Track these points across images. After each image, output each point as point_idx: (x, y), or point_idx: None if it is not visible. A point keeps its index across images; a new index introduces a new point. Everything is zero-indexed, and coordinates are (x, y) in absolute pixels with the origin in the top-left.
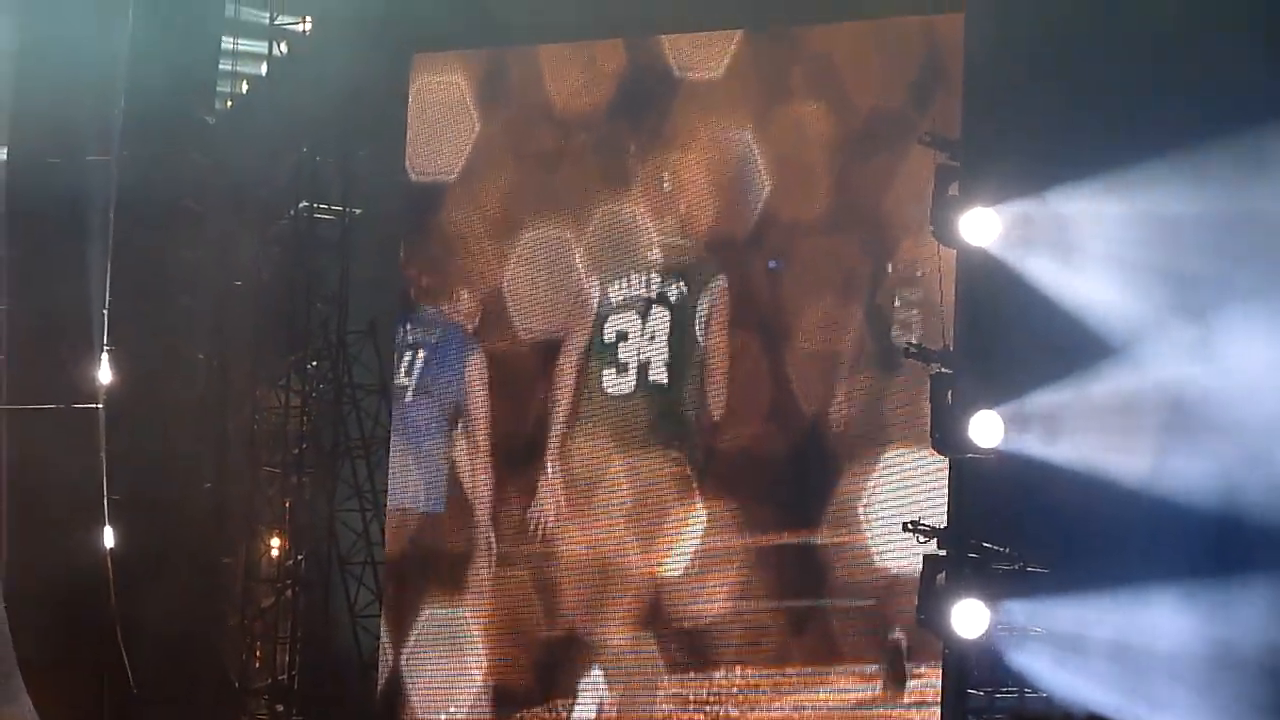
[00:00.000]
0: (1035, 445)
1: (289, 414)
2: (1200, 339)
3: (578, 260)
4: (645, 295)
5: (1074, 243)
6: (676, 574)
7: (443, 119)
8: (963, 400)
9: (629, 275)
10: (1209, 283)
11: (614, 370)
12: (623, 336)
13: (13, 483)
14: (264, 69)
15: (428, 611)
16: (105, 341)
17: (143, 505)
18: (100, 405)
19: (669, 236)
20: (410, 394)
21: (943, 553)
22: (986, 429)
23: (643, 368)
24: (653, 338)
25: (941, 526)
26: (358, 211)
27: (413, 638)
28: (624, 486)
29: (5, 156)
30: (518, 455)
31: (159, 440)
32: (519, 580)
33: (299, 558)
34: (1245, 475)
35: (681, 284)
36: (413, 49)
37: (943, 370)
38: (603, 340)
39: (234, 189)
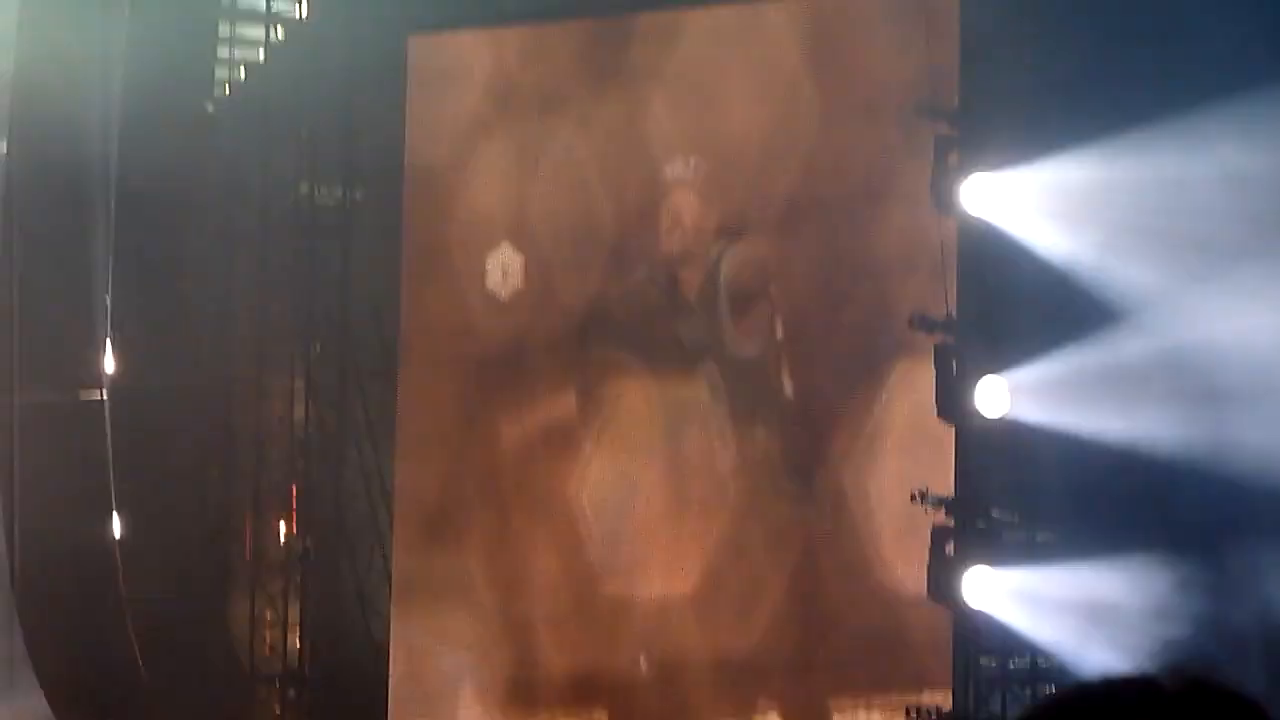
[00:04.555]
0: (1041, 413)
1: (294, 398)
2: (1204, 304)
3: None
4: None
5: (1076, 209)
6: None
7: (442, 99)
8: (967, 368)
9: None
10: (1212, 247)
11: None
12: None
13: (22, 473)
14: (262, 55)
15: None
16: (109, 331)
17: (149, 493)
18: (104, 396)
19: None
20: None
21: (950, 523)
22: (992, 397)
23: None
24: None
25: (948, 496)
26: (359, 195)
27: (420, 613)
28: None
29: (4, 149)
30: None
31: (164, 428)
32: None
33: (306, 543)
34: (1241, 441)
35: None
36: (410, 30)
37: (947, 339)
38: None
39: (235, 176)
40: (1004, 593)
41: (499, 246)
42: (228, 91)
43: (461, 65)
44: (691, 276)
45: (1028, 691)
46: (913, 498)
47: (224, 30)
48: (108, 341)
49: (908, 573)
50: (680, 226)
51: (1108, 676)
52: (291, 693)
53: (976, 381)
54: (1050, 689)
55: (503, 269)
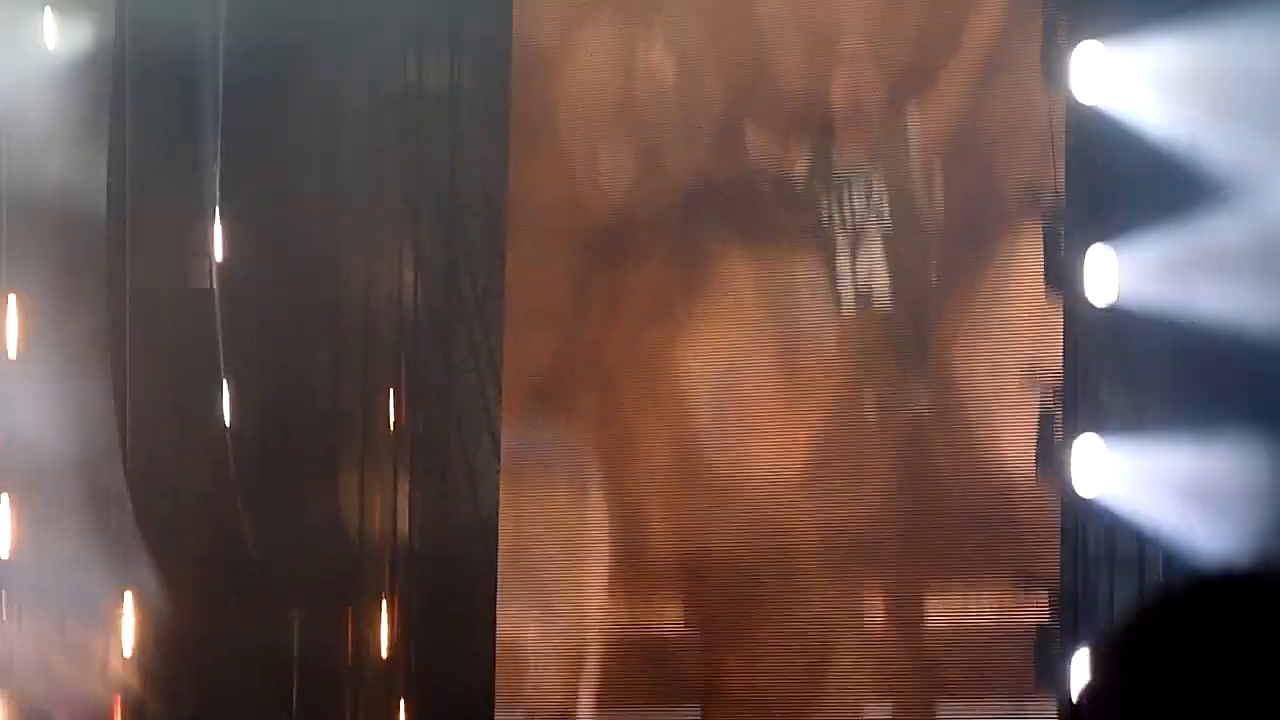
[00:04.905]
0: (1149, 292)
1: (402, 275)
2: None
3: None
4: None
5: (1186, 84)
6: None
7: None
8: (1076, 246)
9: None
10: None
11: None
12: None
13: (132, 360)
14: None
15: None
16: (217, 215)
17: (258, 371)
18: (214, 280)
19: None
20: None
21: (1059, 402)
22: (1101, 275)
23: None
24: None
25: (1057, 375)
26: (467, 72)
27: (532, 495)
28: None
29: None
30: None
31: (272, 309)
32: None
33: (416, 420)
34: None
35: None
36: None
37: (1056, 215)
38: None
39: (340, 53)
40: (1113, 474)
41: (606, 124)
42: None
43: None
44: (851, 140)
45: (1137, 576)
46: (1021, 377)
47: None
48: (216, 222)
49: (1015, 453)
50: (846, 90)
51: (1227, 566)
52: (400, 569)
53: (1086, 259)
54: (1160, 574)
55: (610, 146)
